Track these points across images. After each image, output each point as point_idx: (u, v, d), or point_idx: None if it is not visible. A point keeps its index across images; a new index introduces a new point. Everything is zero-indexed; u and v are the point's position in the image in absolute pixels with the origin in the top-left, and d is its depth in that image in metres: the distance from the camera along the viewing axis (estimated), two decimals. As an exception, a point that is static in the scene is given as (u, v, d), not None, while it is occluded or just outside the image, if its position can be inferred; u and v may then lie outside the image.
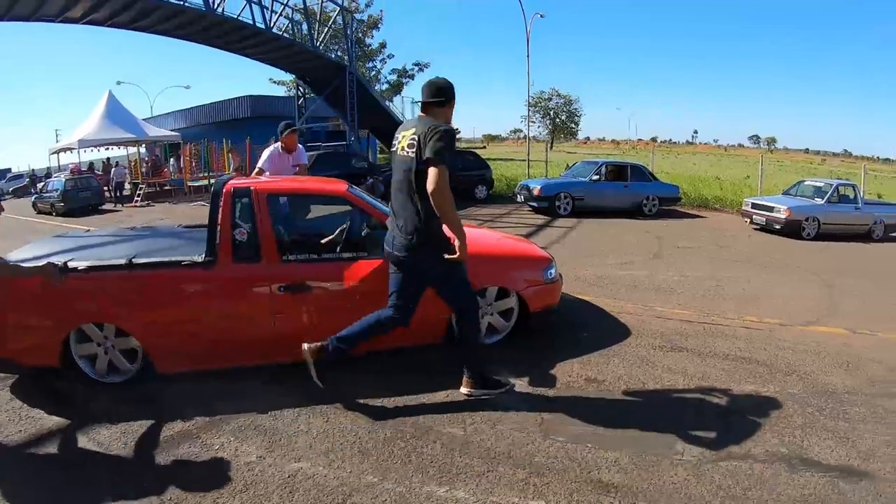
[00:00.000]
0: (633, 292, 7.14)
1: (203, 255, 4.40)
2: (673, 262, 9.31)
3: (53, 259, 4.33)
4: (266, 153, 6.67)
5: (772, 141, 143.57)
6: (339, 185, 5.33)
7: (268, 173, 6.34)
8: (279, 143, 6.66)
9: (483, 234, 5.89)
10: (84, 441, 3.69)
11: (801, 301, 7.04)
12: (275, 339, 4.46)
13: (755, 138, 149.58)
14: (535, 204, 15.65)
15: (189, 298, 4.46)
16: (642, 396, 4.17)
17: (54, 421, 3.91)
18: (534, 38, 23.72)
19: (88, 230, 7.10)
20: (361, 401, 4.07)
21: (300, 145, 7.08)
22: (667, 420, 3.77)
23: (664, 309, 6.38)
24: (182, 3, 19.00)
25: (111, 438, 3.69)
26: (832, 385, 4.43)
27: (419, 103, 3.98)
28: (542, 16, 25.71)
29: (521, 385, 4.28)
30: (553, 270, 5.24)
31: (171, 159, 27.36)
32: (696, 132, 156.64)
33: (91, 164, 34.17)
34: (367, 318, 4.02)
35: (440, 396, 4.10)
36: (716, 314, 6.21)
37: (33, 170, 40.41)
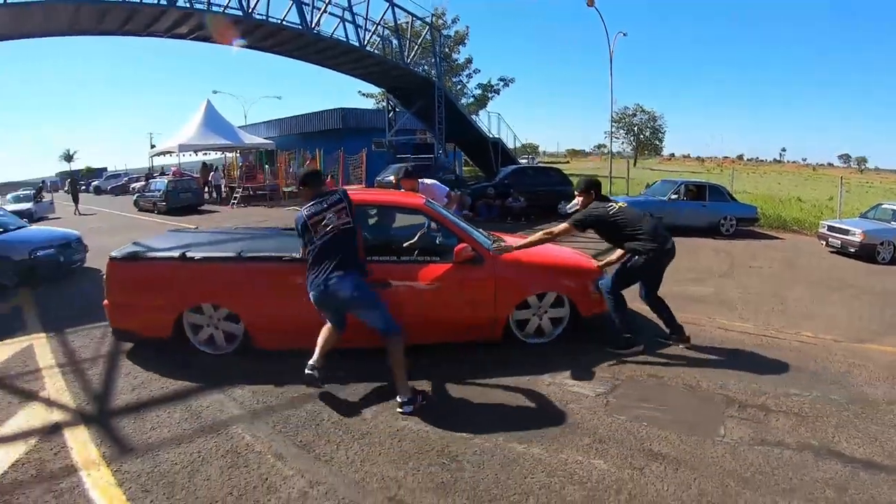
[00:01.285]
0: (699, 306, 7.71)
1: (301, 253, 5.20)
2: (742, 281, 9.72)
3: (177, 251, 5.56)
4: None
5: (862, 161, 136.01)
6: (418, 199, 6.18)
7: None
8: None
9: (544, 246, 6.35)
10: (222, 397, 4.72)
11: (861, 321, 7.37)
12: (358, 325, 5.14)
13: (845, 157, 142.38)
14: None
15: (287, 287, 5.32)
16: (696, 391, 4.82)
17: (182, 384, 4.97)
18: (618, 53, 24.08)
19: (197, 227, 8.23)
20: (456, 380, 4.95)
21: (431, 180, 7.87)
22: (714, 411, 4.44)
23: (726, 321, 6.92)
24: (279, 22, 20.34)
25: (245, 396, 4.73)
26: (873, 395, 4.87)
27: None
28: (624, 34, 26.15)
29: (592, 376, 5.06)
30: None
31: (267, 166, 29.01)
32: (783, 150, 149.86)
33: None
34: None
35: (522, 381, 4.94)
36: (774, 328, 6.70)
37: (150, 169, 42.82)
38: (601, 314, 5.93)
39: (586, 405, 4.48)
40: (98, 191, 43.89)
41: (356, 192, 6.17)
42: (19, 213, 13.39)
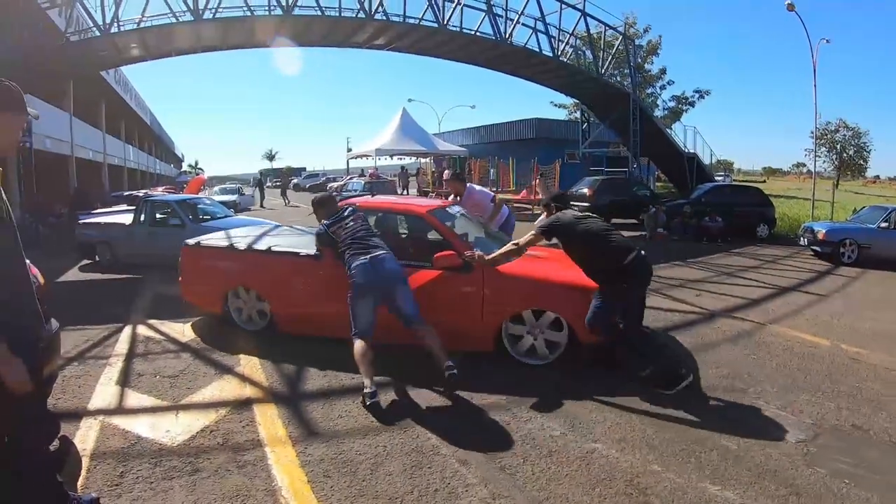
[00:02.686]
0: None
1: (315, 250, 6.04)
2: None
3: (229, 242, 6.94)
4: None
5: None
6: (420, 208, 6.64)
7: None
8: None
9: (547, 260, 6.24)
10: (403, 397, 5.04)
11: None
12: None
13: None
14: (817, 248, 14.91)
15: (302, 279, 6.25)
16: (905, 451, 4.40)
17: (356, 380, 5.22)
18: (821, 64, 22.11)
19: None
20: (648, 405, 4.95)
21: (480, 187, 8.49)
22: (925, 477, 4.04)
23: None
24: (473, 33, 21.06)
25: (432, 397, 5.01)
26: None
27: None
28: (827, 41, 24.13)
29: (792, 421, 4.78)
30: None
31: (447, 171, 30.26)
32: None
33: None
34: None
35: (721, 419, 4.80)
36: None
37: (363, 169, 46.33)
38: (608, 343, 5.58)
39: (785, 451, 4.26)
40: (297, 188, 49.00)
41: (364, 200, 7.23)
42: (225, 204, 15.28)
